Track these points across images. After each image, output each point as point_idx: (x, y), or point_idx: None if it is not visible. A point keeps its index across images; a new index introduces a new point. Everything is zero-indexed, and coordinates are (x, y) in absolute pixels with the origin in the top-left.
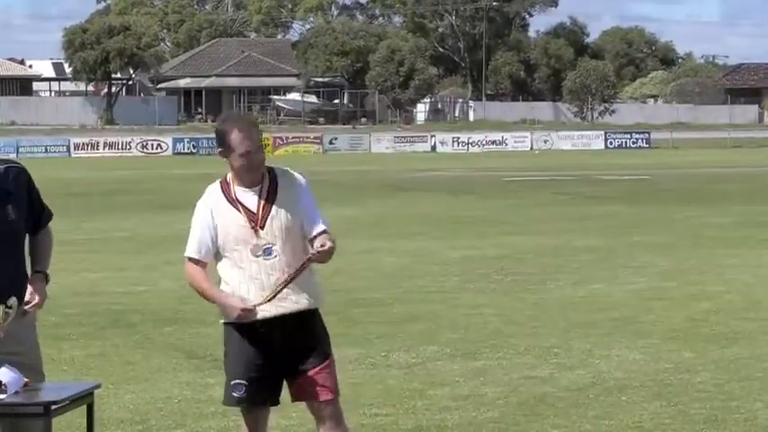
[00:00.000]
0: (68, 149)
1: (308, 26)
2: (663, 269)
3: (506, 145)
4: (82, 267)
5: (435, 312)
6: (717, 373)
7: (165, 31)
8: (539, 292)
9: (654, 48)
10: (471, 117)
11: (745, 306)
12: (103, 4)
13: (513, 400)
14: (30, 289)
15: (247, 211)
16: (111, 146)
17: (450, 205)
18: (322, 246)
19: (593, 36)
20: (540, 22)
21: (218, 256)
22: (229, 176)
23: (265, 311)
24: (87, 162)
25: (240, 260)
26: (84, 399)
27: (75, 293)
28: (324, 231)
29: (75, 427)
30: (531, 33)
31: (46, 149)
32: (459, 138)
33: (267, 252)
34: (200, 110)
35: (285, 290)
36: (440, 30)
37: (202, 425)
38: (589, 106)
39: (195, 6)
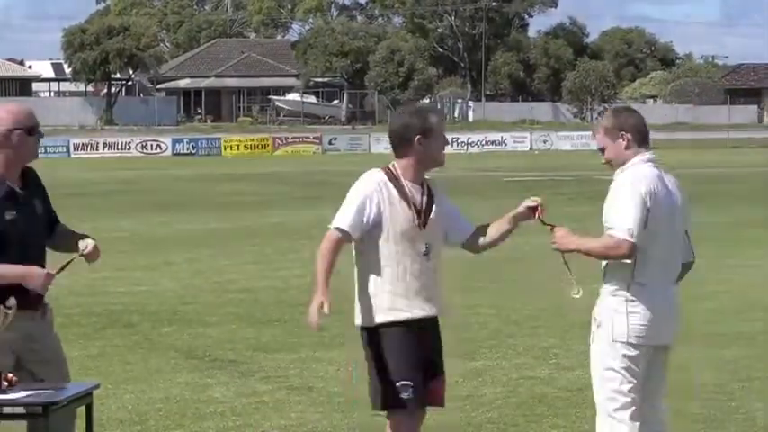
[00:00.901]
0: (68, 150)
1: (307, 27)
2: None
3: (506, 145)
4: (81, 267)
5: None
6: (716, 374)
7: (164, 31)
8: (537, 292)
9: (653, 48)
10: (470, 117)
11: (745, 306)
12: (103, 4)
13: (511, 401)
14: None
15: (416, 208)
16: (110, 146)
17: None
18: None
19: (592, 36)
20: (539, 23)
21: (365, 245)
22: (396, 168)
23: (422, 310)
24: (87, 162)
25: (403, 257)
26: (83, 399)
27: (74, 293)
28: None
29: (75, 428)
30: (531, 34)
31: (45, 150)
32: (458, 138)
33: (427, 253)
34: (199, 110)
35: (432, 293)
36: (439, 30)
37: (201, 425)
38: (588, 107)
39: (195, 7)
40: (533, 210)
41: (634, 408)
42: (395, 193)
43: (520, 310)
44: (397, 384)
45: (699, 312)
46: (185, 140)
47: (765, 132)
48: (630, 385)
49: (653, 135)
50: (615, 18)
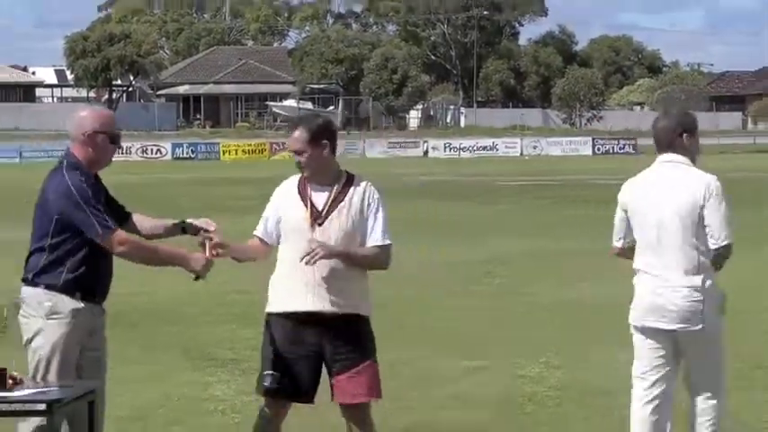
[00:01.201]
0: None
1: (303, 34)
2: None
3: (497, 150)
4: None
5: (428, 313)
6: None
7: (164, 39)
8: (528, 293)
9: (641, 56)
10: (462, 123)
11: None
12: (104, 12)
13: (503, 399)
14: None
15: (313, 206)
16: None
17: (441, 209)
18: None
19: (581, 44)
20: (529, 31)
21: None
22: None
23: (306, 305)
24: None
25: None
26: (86, 397)
27: None
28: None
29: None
30: (521, 42)
31: (48, 154)
32: (450, 143)
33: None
34: (198, 116)
35: (325, 290)
36: (432, 38)
37: (203, 421)
38: (577, 113)
39: (194, 15)
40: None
41: (641, 390)
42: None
43: (511, 311)
44: (264, 372)
45: None
46: (185, 145)
47: (750, 138)
48: (637, 367)
49: (640, 141)
50: (603, 26)
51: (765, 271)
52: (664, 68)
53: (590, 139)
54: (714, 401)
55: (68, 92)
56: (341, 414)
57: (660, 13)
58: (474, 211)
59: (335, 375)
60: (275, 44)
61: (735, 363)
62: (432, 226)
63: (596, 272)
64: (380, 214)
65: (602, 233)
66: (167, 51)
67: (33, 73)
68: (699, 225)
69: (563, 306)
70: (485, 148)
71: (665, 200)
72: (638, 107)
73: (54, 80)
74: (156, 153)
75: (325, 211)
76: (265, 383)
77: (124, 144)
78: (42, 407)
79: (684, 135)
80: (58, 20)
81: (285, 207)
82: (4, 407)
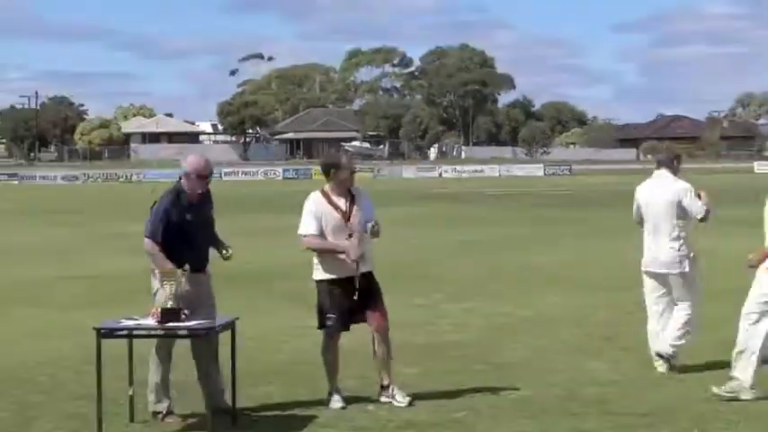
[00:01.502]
0: (221, 176)
1: (364, 101)
2: (578, 248)
3: (484, 173)
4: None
5: (439, 272)
6: (612, 311)
7: (278, 104)
8: (505, 260)
9: (573, 113)
10: (463, 155)
11: (628, 270)
12: (242, 88)
13: (488, 327)
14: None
15: (340, 209)
16: (245, 173)
17: (451, 209)
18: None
19: (537, 106)
20: (504, 99)
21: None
22: (326, 188)
23: (352, 271)
24: (232, 183)
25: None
26: (230, 326)
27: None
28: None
29: (224, 342)
30: (499, 105)
31: None
32: (455, 168)
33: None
34: (299, 152)
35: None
36: (444, 103)
37: (301, 342)
38: (534, 149)
39: (296, 89)
40: None
41: (650, 316)
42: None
43: (494, 270)
44: (327, 316)
45: (600, 272)
46: (291, 170)
47: (641, 165)
48: (646, 298)
49: (574, 167)
50: (551, 95)
51: None
52: (588, 121)
53: (542, 165)
54: (686, 312)
55: (219, 137)
56: (372, 334)
57: (586, 88)
58: (471, 210)
59: (367, 310)
60: (346, 107)
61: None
62: (444, 219)
63: (548, 247)
64: (371, 205)
65: (551, 224)
66: (280, 111)
67: (197, 125)
68: (679, 210)
69: (525, 267)
70: (476, 171)
71: (660, 195)
72: (572, 146)
73: (210, 130)
74: (273, 174)
75: (350, 211)
76: (328, 323)
77: (253, 169)
78: (203, 332)
79: (675, 161)
80: (214, 92)
81: (324, 213)
82: (182, 332)
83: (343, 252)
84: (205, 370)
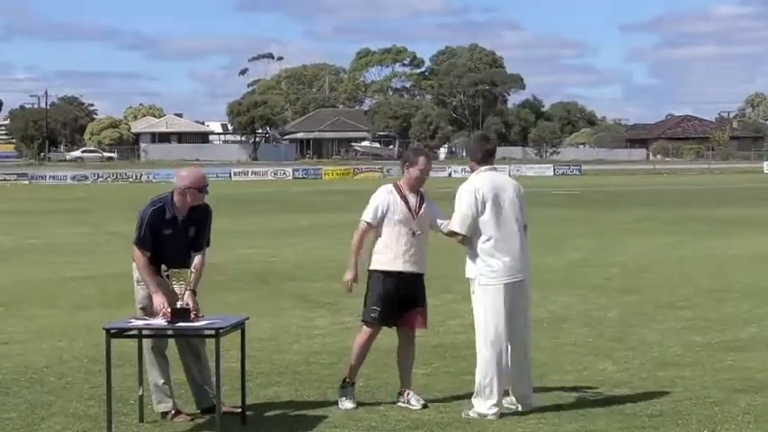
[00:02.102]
0: (230, 176)
1: (374, 101)
2: (588, 248)
3: None
4: (237, 245)
5: (450, 271)
6: (621, 311)
7: (288, 104)
8: None
9: (583, 113)
10: None
11: (638, 270)
12: (252, 87)
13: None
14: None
15: (410, 205)
16: (255, 173)
17: None
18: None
19: (546, 107)
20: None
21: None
22: (400, 182)
23: (405, 267)
24: (242, 183)
25: (399, 234)
26: (239, 326)
27: (231, 261)
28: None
29: (233, 342)
30: (509, 105)
31: (216, 175)
32: (465, 168)
33: (415, 233)
34: (308, 152)
35: (413, 256)
36: (454, 103)
37: (310, 342)
38: (544, 150)
39: (306, 89)
40: None
41: None
42: (397, 196)
43: None
44: (371, 307)
45: (610, 274)
46: (300, 169)
47: (650, 165)
48: None
49: (583, 167)
50: (561, 95)
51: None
52: (598, 121)
53: (551, 165)
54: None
55: (229, 137)
56: (399, 335)
57: (595, 87)
58: None
59: (410, 311)
60: (356, 107)
61: None
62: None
63: (556, 248)
64: (437, 208)
65: (560, 224)
66: (289, 111)
67: (207, 125)
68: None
69: (534, 269)
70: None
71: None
72: (582, 146)
73: (220, 130)
74: (283, 174)
75: (418, 208)
76: (372, 315)
77: (263, 169)
78: (212, 332)
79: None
80: (224, 92)
81: (393, 203)
82: (190, 331)
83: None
84: (191, 369)
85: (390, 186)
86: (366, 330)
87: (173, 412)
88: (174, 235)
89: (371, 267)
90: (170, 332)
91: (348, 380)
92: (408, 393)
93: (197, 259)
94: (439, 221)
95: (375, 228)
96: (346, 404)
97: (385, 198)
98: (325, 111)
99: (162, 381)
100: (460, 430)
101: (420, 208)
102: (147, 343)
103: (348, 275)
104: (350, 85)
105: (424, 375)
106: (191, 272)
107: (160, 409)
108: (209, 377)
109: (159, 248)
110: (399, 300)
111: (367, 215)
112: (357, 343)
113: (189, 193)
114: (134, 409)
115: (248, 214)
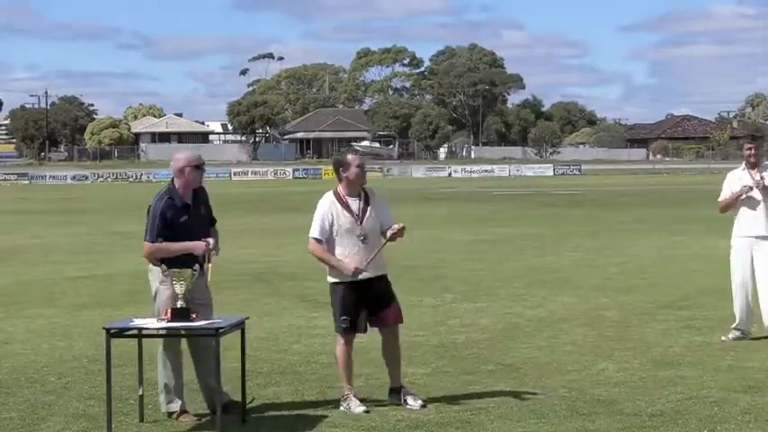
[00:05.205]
0: (230, 175)
1: (374, 100)
2: (588, 248)
3: (494, 172)
4: (237, 245)
5: (450, 273)
6: (621, 311)
7: (288, 104)
8: (515, 260)
9: (583, 113)
10: (473, 155)
11: (638, 270)
12: (252, 87)
13: (498, 327)
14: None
15: (352, 211)
16: (255, 173)
17: (460, 209)
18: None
19: (546, 106)
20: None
21: (330, 239)
22: (339, 188)
23: (365, 274)
24: (241, 183)
25: (347, 242)
26: (239, 325)
27: (230, 262)
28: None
29: (233, 342)
30: (509, 105)
31: (216, 175)
32: (465, 168)
33: (364, 239)
34: (309, 152)
35: (374, 263)
36: (454, 103)
37: (311, 341)
38: (544, 149)
39: (306, 89)
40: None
41: None
42: (337, 203)
43: (504, 271)
44: (341, 318)
45: (610, 274)
46: (301, 169)
47: (649, 165)
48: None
49: (583, 166)
50: (560, 95)
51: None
52: (597, 121)
53: (551, 165)
54: None
55: (229, 137)
56: (381, 334)
57: (595, 87)
58: (481, 210)
59: (379, 312)
60: (356, 107)
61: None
62: (454, 219)
63: (557, 248)
64: (388, 208)
65: (560, 224)
66: (289, 111)
67: (207, 125)
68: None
69: (536, 268)
70: (486, 171)
71: None
72: (582, 145)
73: (220, 129)
74: (283, 174)
75: (362, 213)
76: (343, 325)
77: (263, 169)
78: (211, 332)
79: None
80: (224, 92)
81: (335, 214)
82: (190, 331)
83: (349, 270)
84: (202, 369)
85: (330, 195)
86: (340, 341)
87: (178, 412)
88: (189, 220)
89: (330, 280)
90: (169, 332)
91: (347, 393)
92: (402, 392)
93: (212, 232)
94: (387, 230)
95: (325, 242)
96: (357, 410)
97: (328, 209)
98: (325, 111)
99: (174, 381)
100: (460, 430)
101: (365, 212)
102: (160, 344)
103: (348, 268)
104: (350, 84)
105: (424, 375)
106: (191, 271)
107: (170, 409)
108: (219, 377)
109: (180, 237)
110: (366, 304)
111: (314, 231)
112: (337, 354)
113: (187, 171)
114: (134, 409)
115: (248, 214)
